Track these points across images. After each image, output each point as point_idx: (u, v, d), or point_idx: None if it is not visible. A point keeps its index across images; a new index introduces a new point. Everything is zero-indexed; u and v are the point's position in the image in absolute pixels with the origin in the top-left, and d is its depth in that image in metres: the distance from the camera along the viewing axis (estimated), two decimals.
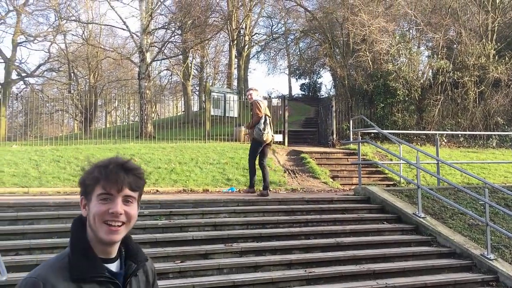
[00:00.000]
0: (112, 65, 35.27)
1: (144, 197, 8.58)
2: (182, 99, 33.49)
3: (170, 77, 39.41)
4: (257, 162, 9.42)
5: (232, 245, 6.63)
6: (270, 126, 9.30)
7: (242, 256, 6.52)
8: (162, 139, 17.22)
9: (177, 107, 40.24)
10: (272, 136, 9.35)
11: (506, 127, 18.62)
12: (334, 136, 17.44)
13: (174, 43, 26.11)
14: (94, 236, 1.57)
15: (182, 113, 28.84)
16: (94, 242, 1.58)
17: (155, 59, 24.57)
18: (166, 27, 24.29)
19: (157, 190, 10.92)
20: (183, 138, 17.08)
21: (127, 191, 1.58)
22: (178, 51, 29.35)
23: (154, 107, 31.94)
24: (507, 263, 7.07)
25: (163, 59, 29.02)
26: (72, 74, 32.63)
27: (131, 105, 29.16)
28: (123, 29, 33.12)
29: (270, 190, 9.49)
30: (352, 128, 16.00)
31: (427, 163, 13.02)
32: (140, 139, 18.09)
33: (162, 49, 24.37)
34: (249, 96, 9.66)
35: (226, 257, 6.42)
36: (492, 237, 7.49)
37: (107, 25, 31.68)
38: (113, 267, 1.61)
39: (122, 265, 1.64)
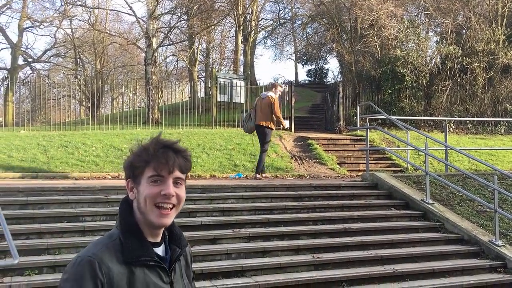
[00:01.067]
0: (118, 51, 35.22)
1: None
2: (188, 85, 33.45)
3: (176, 63, 39.35)
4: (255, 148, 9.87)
5: (240, 231, 6.67)
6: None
7: (250, 241, 6.56)
8: (168, 125, 17.23)
9: (183, 93, 40.24)
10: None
11: None
12: (341, 122, 17.38)
13: (180, 29, 25.97)
14: (144, 219, 1.56)
15: (189, 99, 28.82)
16: (143, 225, 1.56)
17: (161, 44, 24.49)
18: (172, 12, 24.17)
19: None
20: (190, 124, 17.09)
21: (177, 173, 1.56)
22: (184, 36, 29.23)
23: (160, 93, 31.93)
24: None
25: (169, 44, 28.96)
26: (78, 60, 32.62)
27: (137, 90, 29.15)
28: (129, 14, 33.04)
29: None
30: (359, 115, 15.93)
31: (435, 150, 12.97)
32: (147, 124, 18.12)
33: (168, 34, 24.28)
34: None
35: (234, 242, 6.46)
36: (501, 224, 7.48)
37: (113, 10, 31.59)
38: (159, 251, 1.60)
39: (167, 250, 1.63)
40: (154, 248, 1.57)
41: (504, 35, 19.02)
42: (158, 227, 1.57)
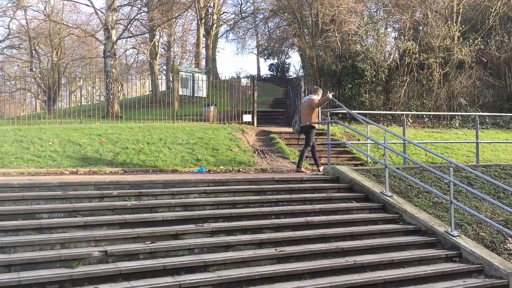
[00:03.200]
0: (75, 43, 34.22)
1: (113, 177, 8.45)
2: (149, 78, 32.92)
3: (137, 56, 38.66)
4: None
5: (203, 225, 6.62)
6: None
7: (213, 236, 6.52)
8: (129, 119, 16.93)
9: (144, 86, 39.57)
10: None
11: (469, 108, 19.15)
12: None
13: (141, 21, 25.52)
14: None
15: (150, 92, 28.37)
16: None
17: (121, 37, 23.97)
18: (132, 4, 23.70)
19: (125, 171, 10.76)
20: (151, 118, 16.83)
21: None
22: (145, 29, 28.72)
23: (120, 86, 31.29)
24: (470, 239, 7.32)
25: (129, 37, 28.39)
26: (33, 52, 31.51)
27: (96, 84, 28.44)
28: (87, 5, 32.14)
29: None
30: (321, 109, 16.09)
31: (393, 143, 13.29)
32: (107, 119, 17.72)
33: (128, 26, 23.81)
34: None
35: (197, 237, 6.40)
36: (456, 215, 7.74)
37: (70, 0, 30.56)
38: None
39: None
40: None
41: (459, 32, 19.66)
42: None
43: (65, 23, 28.74)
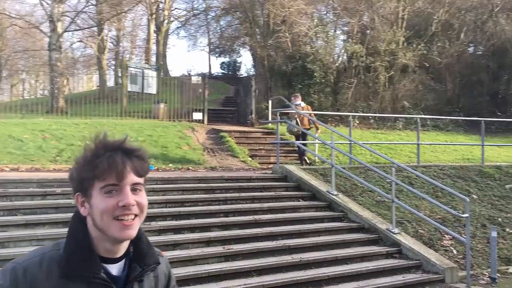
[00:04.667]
0: (18, 34, 32.67)
1: (57, 175, 8.20)
2: (97, 73, 32.04)
3: (84, 50, 37.40)
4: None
5: (150, 224, 6.56)
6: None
7: (161, 234, 6.49)
8: (75, 115, 16.43)
9: (91, 81, 38.45)
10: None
11: (412, 110, 19.92)
12: (253, 115, 17.66)
13: (88, 14, 24.79)
14: (102, 236, 1.33)
15: (97, 88, 27.63)
16: (99, 240, 1.34)
17: (67, 29, 23.19)
18: None
19: (70, 168, 10.44)
20: (98, 114, 16.43)
21: (134, 178, 1.33)
22: (93, 22, 27.89)
23: (66, 80, 30.27)
24: (409, 236, 7.67)
25: (76, 30, 27.47)
26: None
27: (40, 77, 27.38)
28: None
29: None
30: (271, 108, 16.29)
31: (341, 143, 13.62)
32: (51, 114, 17.12)
33: (75, 19, 23.05)
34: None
35: None
36: (397, 213, 8.07)
37: None
38: (114, 268, 1.36)
39: (125, 268, 1.38)
40: (107, 265, 1.35)
41: (403, 37, 20.40)
42: (122, 241, 1.35)
43: (7, 13, 27.43)
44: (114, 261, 1.37)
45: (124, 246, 1.38)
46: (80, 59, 38.19)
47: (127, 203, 1.30)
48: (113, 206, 1.30)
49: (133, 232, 1.34)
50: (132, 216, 1.33)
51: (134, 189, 1.34)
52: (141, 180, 1.36)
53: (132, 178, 1.33)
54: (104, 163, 1.30)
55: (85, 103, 16.97)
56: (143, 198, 1.36)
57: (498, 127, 19.26)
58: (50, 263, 1.31)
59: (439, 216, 8.57)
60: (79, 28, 26.88)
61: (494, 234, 7.18)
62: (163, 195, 7.63)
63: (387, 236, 7.53)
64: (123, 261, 1.39)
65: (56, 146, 11.78)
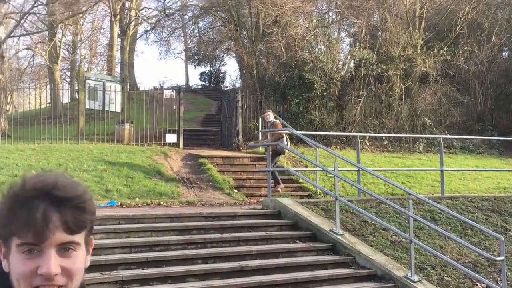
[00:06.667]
0: None
1: None
2: (48, 87, 32.10)
3: (32, 59, 37.60)
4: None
5: (110, 274, 6.49)
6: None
7: (124, 286, 6.41)
8: (19, 139, 16.39)
9: (40, 97, 38.46)
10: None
11: (434, 129, 20.00)
12: (240, 137, 17.70)
13: (38, 15, 24.94)
14: None
15: (48, 105, 27.65)
16: None
17: (12, 34, 23.31)
18: None
19: None
20: (49, 138, 16.39)
21: (63, 236, 1.22)
22: (43, 25, 28.07)
23: (9, 96, 30.27)
24: (433, 285, 7.64)
25: (23, 35, 27.63)
26: None
27: None
28: None
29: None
30: (261, 128, 16.35)
31: (347, 170, 13.67)
32: None
33: (22, 22, 23.20)
34: (267, 117, 13.58)
35: None
36: (417, 256, 8.06)
37: None
38: None
39: None
40: None
41: (422, 40, 20.61)
42: None
43: None
44: None
45: None
46: (27, 70, 38.34)
47: (45, 273, 1.20)
48: (31, 272, 1.21)
49: None
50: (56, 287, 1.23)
51: (66, 248, 1.24)
52: (75, 238, 1.24)
53: (59, 236, 1.21)
54: (20, 218, 1.21)
55: (32, 124, 16.94)
56: (77, 261, 1.25)
57: None
58: None
59: (469, 260, 8.58)
60: (26, 32, 27.05)
61: None
62: (126, 237, 7.57)
63: (404, 285, 7.50)
64: None
65: None
